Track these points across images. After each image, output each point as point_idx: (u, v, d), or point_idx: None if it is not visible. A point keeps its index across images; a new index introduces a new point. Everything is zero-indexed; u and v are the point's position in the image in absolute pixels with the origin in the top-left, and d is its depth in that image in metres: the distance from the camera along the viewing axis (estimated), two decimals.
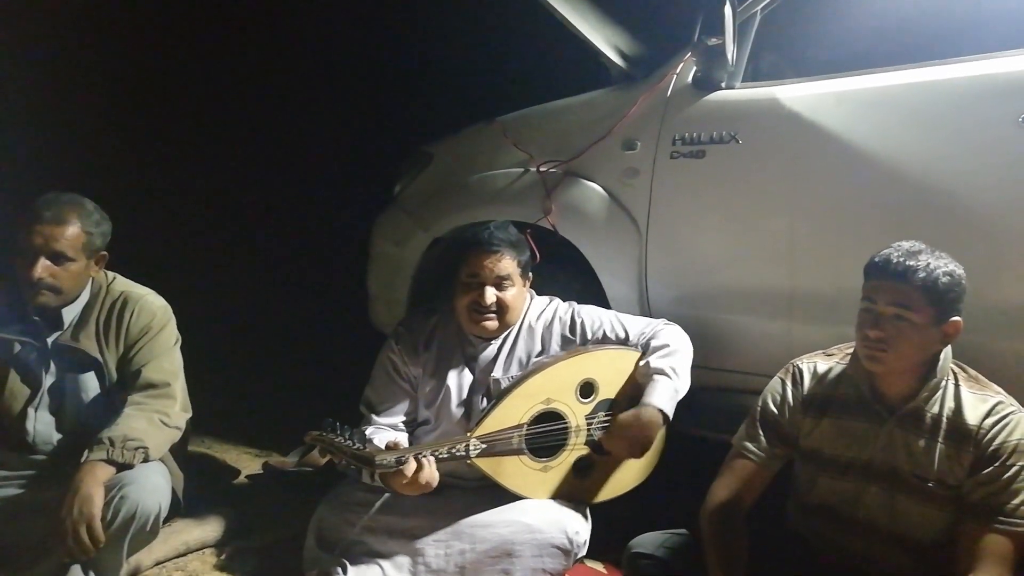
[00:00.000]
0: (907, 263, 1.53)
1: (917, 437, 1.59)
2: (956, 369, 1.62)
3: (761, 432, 1.74)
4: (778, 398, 1.75)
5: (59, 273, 1.97)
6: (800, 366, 1.76)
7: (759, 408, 1.77)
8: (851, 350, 1.70)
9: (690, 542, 1.74)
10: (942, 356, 1.59)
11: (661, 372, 2.05)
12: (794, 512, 1.78)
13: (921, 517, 1.59)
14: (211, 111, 5.59)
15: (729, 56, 2.26)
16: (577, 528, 2.03)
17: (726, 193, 2.32)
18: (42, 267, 1.94)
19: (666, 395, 2.02)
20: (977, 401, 1.57)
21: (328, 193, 5.15)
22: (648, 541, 1.76)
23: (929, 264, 1.53)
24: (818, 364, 1.75)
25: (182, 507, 2.23)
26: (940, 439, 1.57)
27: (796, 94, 2.23)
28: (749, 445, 1.74)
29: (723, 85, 2.35)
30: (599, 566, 2.21)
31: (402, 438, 2.07)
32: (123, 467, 1.89)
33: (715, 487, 1.74)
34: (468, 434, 1.99)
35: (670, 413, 2.02)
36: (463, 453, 1.96)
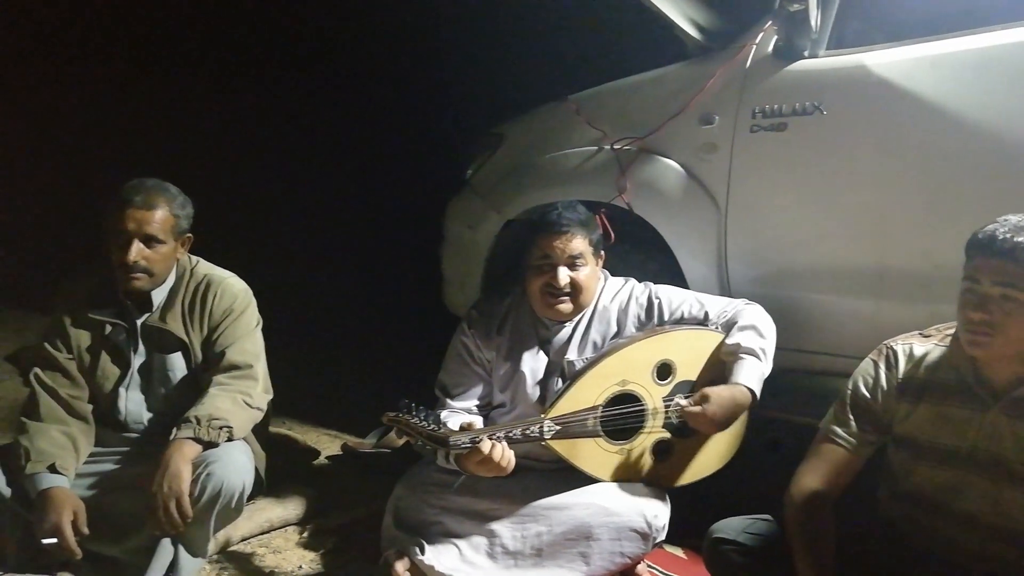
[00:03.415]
0: (1015, 239, 1.42)
1: None
2: None
3: (851, 417, 1.66)
4: (870, 381, 1.66)
5: (151, 256, 2.04)
6: (895, 348, 1.66)
7: (849, 391, 1.68)
8: (950, 331, 1.60)
9: (774, 528, 1.68)
10: None
11: (750, 352, 1.99)
12: (886, 499, 1.70)
13: None
14: (287, 97, 5.71)
15: (812, 23, 2.17)
16: (656, 512, 1.99)
17: (810, 166, 2.23)
18: (136, 251, 2.01)
19: (755, 375, 1.96)
20: None
21: (403, 177, 5.20)
22: (730, 526, 1.70)
23: None
24: (914, 346, 1.65)
25: (264, 486, 2.29)
26: None
27: (886, 60, 2.12)
28: (838, 430, 1.66)
29: (806, 54, 2.26)
30: (679, 551, 2.17)
31: (476, 421, 2.06)
32: (209, 445, 1.95)
33: (801, 473, 1.67)
34: (542, 415, 1.97)
35: (759, 393, 1.96)
36: (537, 434, 1.94)
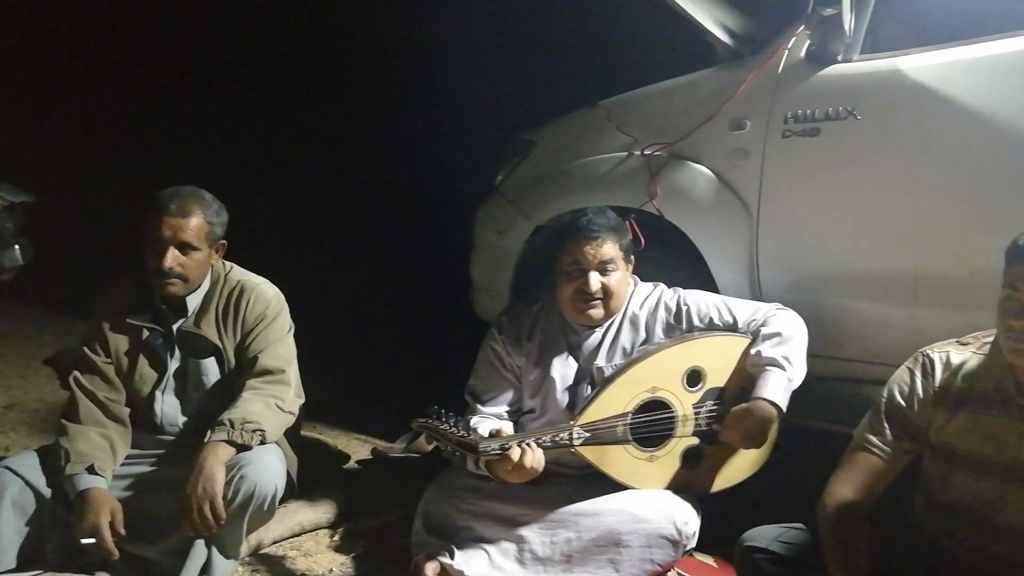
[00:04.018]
0: None
1: None
2: None
3: (886, 425, 1.64)
4: (906, 389, 1.63)
5: (186, 262, 2.08)
6: (931, 355, 1.64)
7: (884, 399, 1.66)
8: (989, 339, 1.57)
9: (807, 537, 1.66)
10: None
11: (774, 363, 1.97)
12: (922, 510, 1.67)
13: None
14: (317, 106, 5.77)
15: (846, 27, 2.15)
16: (686, 519, 1.98)
17: (844, 171, 2.20)
18: (171, 257, 2.05)
19: (779, 387, 1.94)
20: None
21: (432, 183, 5.22)
22: (762, 535, 1.68)
23: None
24: (951, 354, 1.62)
25: (296, 489, 2.31)
26: None
27: (921, 64, 2.09)
28: (873, 438, 1.64)
29: (839, 58, 2.24)
30: (709, 559, 2.15)
31: (506, 427, 2.07)
32: (242, 448, 1.97)
33: (834, 482, 1.65)
34: (572, 422, 1.97)
35: (784, 406, 1.94)
36: (567, 441, 1.94)
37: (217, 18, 6.37)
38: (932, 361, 1.63)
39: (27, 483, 1.98)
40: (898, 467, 1.64)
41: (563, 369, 2.14)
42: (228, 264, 2.26)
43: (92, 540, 1.89)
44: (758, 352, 2.01)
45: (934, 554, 1.61)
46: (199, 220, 2.08)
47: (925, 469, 1.65)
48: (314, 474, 2.47)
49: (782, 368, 1.96)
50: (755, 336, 2.07)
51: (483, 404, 2.17)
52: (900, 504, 1.72)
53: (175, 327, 2.16)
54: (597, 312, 2.09)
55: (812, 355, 2.07)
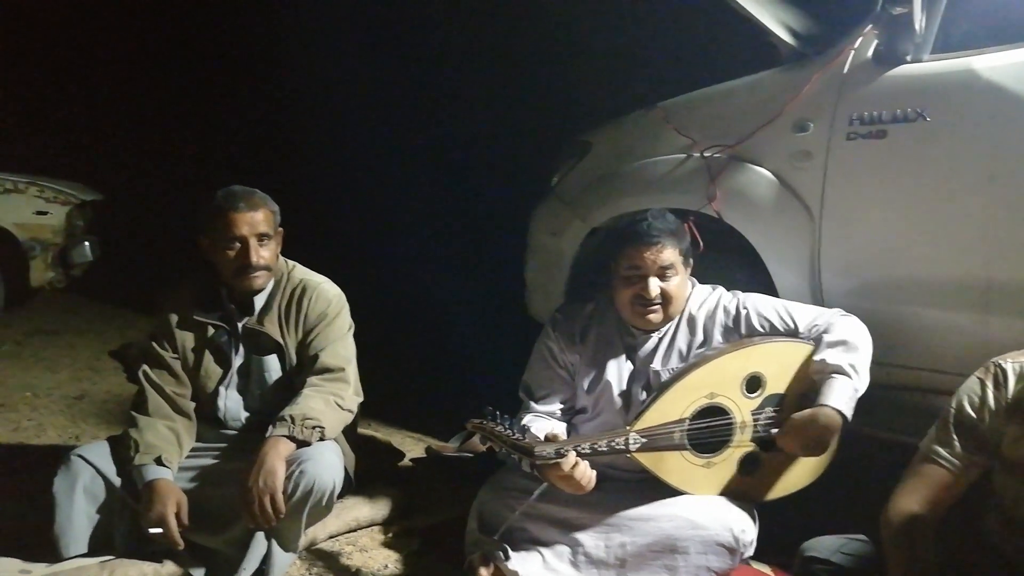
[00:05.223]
0: None
1: None
2: None
3: (955, 437, 1.59)
4: (976, 400, 1.58)
5: (266, 253, 2.15)
6: (1003, 366, 1.58)
7: (953, 410, 1.61)
8: None
9: (870, 549, 1.62)
10: None
11: (839, 370, 1.92)
12: (995, 527, 1.61)
13: None
14: (371, 104, 5.84)
15: (917, 26, 2.10)
16: (743, 527, 1.95)
17: (911, 174, 2.15)
18: (255, 250, 2.12)
19: (845, 395, 1.90)
20: None
21: (488, 185, 5.25)
22: (823, 545, 1.65)
23: None
24: None
25: (353, 485, 2.35)
26: None
27: (996, 64, 2.03)
28: (941, 450, 1.59)
29: (908, 58, 2.18)
30: (766, 568, 2.11)
31: (560, 428, 2.07)
32: (302, 444, 2.02)
33: (899, 494, 1.60)
34: (628, 428, 1.96)
35: (849, 414, 1.89)
36: (622, 447, 1.93)
37: (294, 18, 6.50)
38: (1005, 371, 1.57)
39: (98, 471, 2.05)
40: (967, 481, 1.59)
41: (618, 370, 2.13)
42: (291, 263, 2.31)
43: (159, 530, 1.95)
44: (823, 359, 1.97)
45: (1006, 572, 1.55)
46: (266, 209, 2.16)
47: (997, 485, 1.60)
48: (369, 471, 2.50)
49: (848, 376, 1.92)
50: (818, 342, 2.03)
51: (536, 401, 2.17)
52: (969, 517, 1.66)
53: (240, 325, 2.21)
54: (656, 317, 2.07)
55: (876, 363, 2.02)
